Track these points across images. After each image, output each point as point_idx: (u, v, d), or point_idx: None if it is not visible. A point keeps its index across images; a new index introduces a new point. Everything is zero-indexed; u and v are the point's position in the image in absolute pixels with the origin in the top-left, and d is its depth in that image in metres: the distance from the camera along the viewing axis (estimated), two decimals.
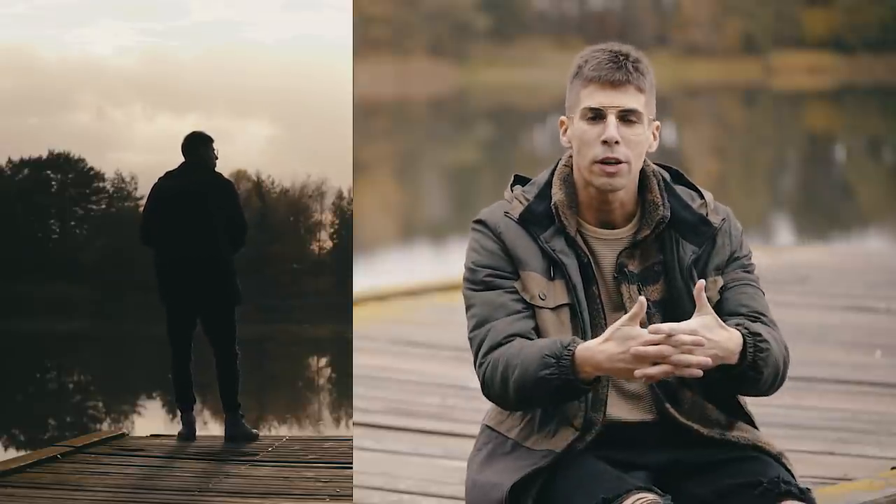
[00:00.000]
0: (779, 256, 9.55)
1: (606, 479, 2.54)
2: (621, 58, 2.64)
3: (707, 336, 2.51)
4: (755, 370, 2.58)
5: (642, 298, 2.52)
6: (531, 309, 2.67)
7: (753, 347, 2.57)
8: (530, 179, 2.81)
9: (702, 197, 2.75)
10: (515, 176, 2.83)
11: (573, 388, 2.56)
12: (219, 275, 6.86)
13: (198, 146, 7.04)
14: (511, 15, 38.30)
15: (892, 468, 4.61)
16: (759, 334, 2.59)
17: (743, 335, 2.57)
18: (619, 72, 2.63)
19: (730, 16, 38.12)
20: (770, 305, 2.75)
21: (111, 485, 5.39)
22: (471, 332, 2.71)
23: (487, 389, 2.68)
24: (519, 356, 2.60)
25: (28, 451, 8.40)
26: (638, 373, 2.49)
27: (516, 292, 2.68)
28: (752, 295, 2.72)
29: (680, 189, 2.75)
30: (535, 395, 2.60)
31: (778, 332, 2.69)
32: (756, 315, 2.69)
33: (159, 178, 7.05)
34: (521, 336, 2.65)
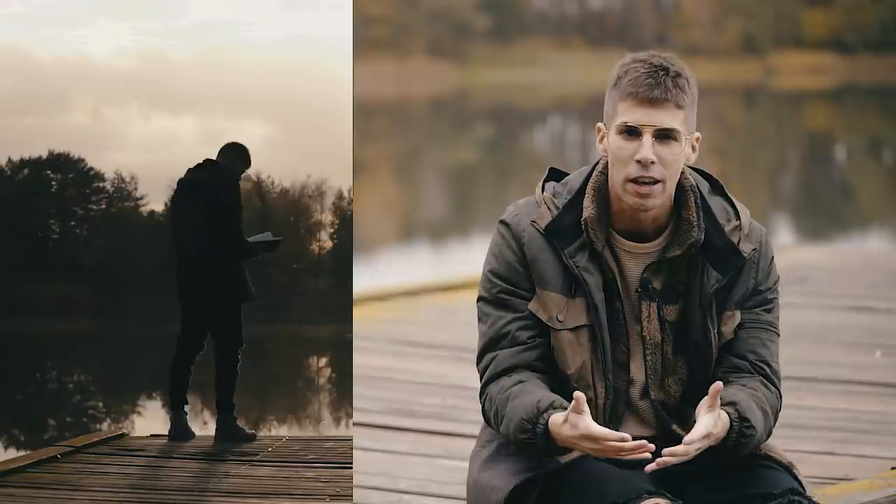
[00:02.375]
0: (779, 256, 9.52)
1: (614, 480, 2.52)
2: (661, 73, 2.56)
3: (713, 433, 2.51)
4: (733, 451, 2.58)
5: (579, 394, 2.48)
6: (538, 337, 2.64)
7: (737, 433, 2.55)
8: (565, 174, 2.75)
9: (737, 216, 2.68)
10: (550, 170, 2.77)
11: (549, 452, 2.57)
12: (218, 272, 6.86)
13: (226, 150, 7.12)
14: (511, 15, 38.26)
15: (892, 468, 4.61)
16: (748, 420, 2.55)
17: (732, 420, 2.54)
18: (657, 89, 2.55)
19: (730, 16, 38.10)
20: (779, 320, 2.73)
21: (111, 485, 5.39)
22: (478, 351, 2.71)
23: (486, 419, 2.71)
24: (507, 406, 2.60)
25: (28, 451, 8.39)
26: (649, 468, 2.49)
27: (526, 318, 2.64)
28: (763, 341, 2.68)
29: (716, 203, 2.68)
30: (513, 444, 2.63)
31: (775, 389, 2.67)
32: (761, 365, 2.66)
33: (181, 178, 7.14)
34: (523, 367, 2.63)
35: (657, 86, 2.56)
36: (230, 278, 6.89)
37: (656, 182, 2.57)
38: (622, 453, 2.47)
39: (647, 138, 2.56)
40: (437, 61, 35.37)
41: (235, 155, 7.13)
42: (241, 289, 6.94)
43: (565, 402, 2.54)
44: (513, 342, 2.64)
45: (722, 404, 2.54)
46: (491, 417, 2.66)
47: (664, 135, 2.57)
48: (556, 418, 2.52)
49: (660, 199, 2.59)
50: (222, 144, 7.21)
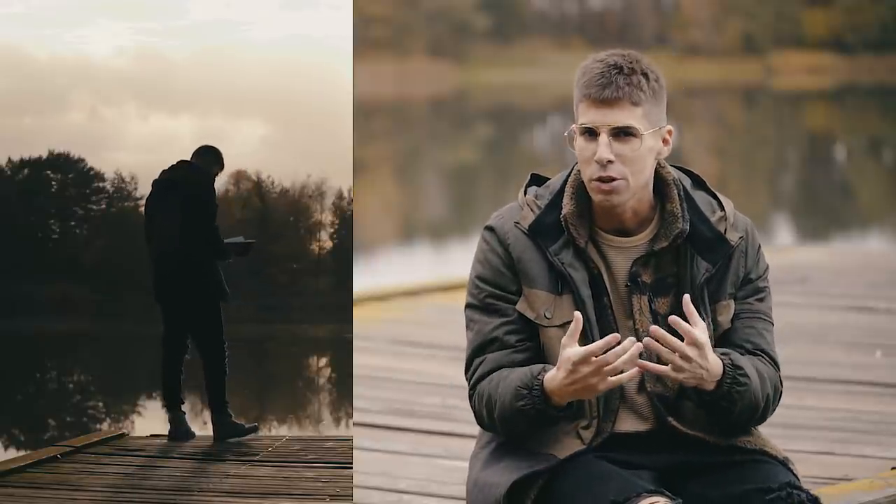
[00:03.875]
0: (779, 256, 9.54)
1: (613, 479, 2.52)
2: (613, 72, 2.58)
3: (705, 351, 2.53)
4: (728, 401, 2.59)
5: (578, 314, 2.53)
6: (526, 340, 2.66)
7: (731, 380, 2.57)
8: (547, 179, 2.76)
9: (722, 208, 2.70)
10: (532, 175, 2.79)
11: (548, 415, 2.58)
12: (195, 271, 6.86)
13: (200, 152, 7.15)
14: (511, 15, 38.26)
15: (893, 468, 4.61)
16: (742, 368, 2.58)
17: (725, 365, 2.57)
18: (608, 88, 2.57)
19: (730, 16, 38.10)
20: (772, 308, 2.74)
21: (111, 485, 5.39)
22: (467, 356, 2.72)
23: (479, 421, 2.71)
24: (498, 389, 2.62)
25: (28, 451, 8.39)
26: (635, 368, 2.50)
27: (514, 321, 2.66)
28: (759, 330, 2.69)
29: (700, 197, 2.70)
30: (518, 426, 2.63)
31: (773, 370, 2.68)
32: (759, 352, 2.68)
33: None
34: (511, 367, 2.64)
35: (608, 85, 2.58)
36: (206, 278, 6.89)
37: (615, 180, 2.59)
38: (617, 362, 2.48)
39: (604, 137, 2.59)
40: (437, 61, 35.38)
41: (209, 156, 7.16)
42: (217, 288, 6.93)
43: (551, 367, 2.58)
44: (501, 346, 2.66)
45: (718, 354, 2.57)
46: (483, 409, 2.66)
47: (621, 132, 2.59)
48: (550, 374, 2.56)
49: (626, 195, 2.61)
50: (219, 143, 7.28)
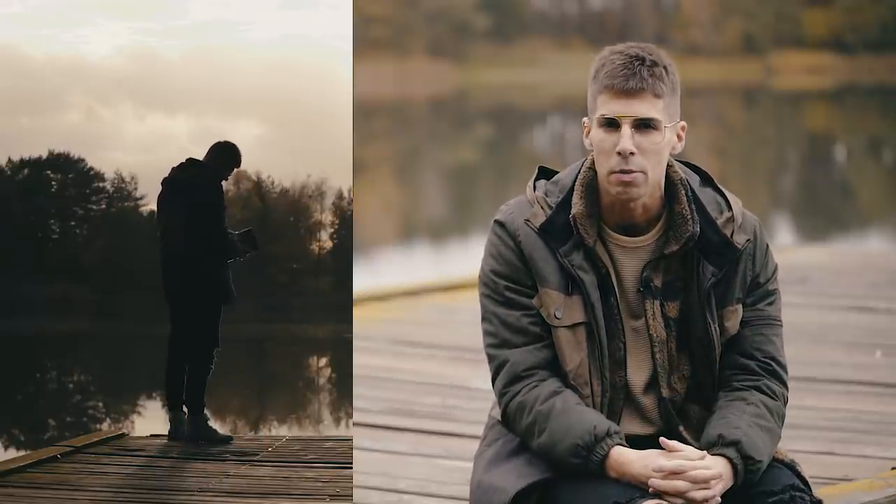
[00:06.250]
0: (779, 256, 9.52)
1: (616, 480, 2.53)
2: (636, 63, 2.56)
3: (708, 466, 2.52)
4: (752, 477, 2.58)
5: (670, 443, 2.53)
6: (548, 334, 2.63)
7: (745, 471, 2.55)
8: (554, 172, 2.74)
9: (729, 207, 2.67)
10: (539, 168, 2.76)
11: (593, 473, 2.56)
12: (199, 271, 6.81)
13: (214, 149, 7.06)
14: (511, 15, 38.25)
15: (893, 468, 4.61)
16: (752, 458, 2.55)
17: (735, 464, 2.54)
18: (633, 79, 2.55)
19: (730, 16, 38.10)
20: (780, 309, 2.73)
21: (111, 485, 5.39)
22: (488, 347, 2.68)
23: (508, 425, 2.68)
24: (548, 420, 2.58)
25: (28, 451, 8.39)
26: (653, 481, 2.50)
27: (535, 314, 2.63)
28: (769, 337, 2.68)
29: (707, 196, 2.67)
30: (553, 460, 2.59)
31: (781, 385, 2.67)
32: (768, 361, 2.66)
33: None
34: (543, 368, 2.62)
35: (633, 76, 2.56)
36: (210, 278, 6.83)
37: (634, 173, 2.56)
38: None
39: (626, 129, 2.56)
40: (437, 61, 35.38)
41: (222, 155, 7.05)
42: (221, 289, 6.86)
43: (618, 428, 2.56)
44: (527, 339, 2.63)
45: (724, 444, 2.55)
46: (521, 424, 2.63)
47: (643, 124, 2.57)
48: (624, 452, 2.53)
49: (644, 188, 2.59)
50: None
